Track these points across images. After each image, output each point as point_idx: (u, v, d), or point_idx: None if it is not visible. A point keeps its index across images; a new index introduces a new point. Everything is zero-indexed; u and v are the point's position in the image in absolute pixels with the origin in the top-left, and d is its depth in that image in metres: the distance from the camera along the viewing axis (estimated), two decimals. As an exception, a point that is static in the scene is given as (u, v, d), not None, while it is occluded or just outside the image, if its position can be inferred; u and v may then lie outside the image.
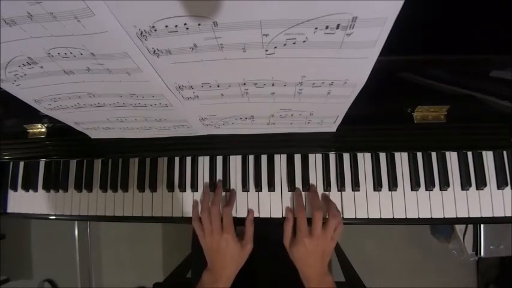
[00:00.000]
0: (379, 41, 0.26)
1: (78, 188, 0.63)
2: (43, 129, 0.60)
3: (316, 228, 0.50)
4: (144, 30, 0.27)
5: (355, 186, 0.54)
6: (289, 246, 0.52)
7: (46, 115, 0.45)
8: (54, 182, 0.64)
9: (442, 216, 0.53)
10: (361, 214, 0.54)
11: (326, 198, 0.55)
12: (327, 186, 0.55)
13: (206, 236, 0.53)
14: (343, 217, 0.54)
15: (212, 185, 0.58)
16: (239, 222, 0.55)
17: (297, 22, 0.25)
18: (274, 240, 0.56)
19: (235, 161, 0.58)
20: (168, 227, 1.40)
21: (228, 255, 0.52)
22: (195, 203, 0.58)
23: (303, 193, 0.56)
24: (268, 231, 0.67)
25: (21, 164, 0.67)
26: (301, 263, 0.51)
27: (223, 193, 0.57)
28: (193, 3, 0.24)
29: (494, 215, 0.52)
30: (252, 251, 0.54)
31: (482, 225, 0.99)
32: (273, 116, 0.44)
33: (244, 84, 0.35)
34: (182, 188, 0.59)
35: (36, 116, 0.49)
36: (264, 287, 0.63)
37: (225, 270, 0.51)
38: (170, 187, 0.59)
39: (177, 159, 0.60)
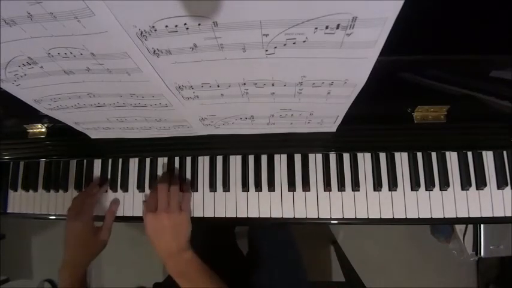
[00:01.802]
0: (379, 41, 0.26)
1: (78, 188, 0.63)
2: (43, 129, 0.60)
3: (160, 201, 0.50)
4: (144, 30, 0.27)
5: (355, 186, 0.54)
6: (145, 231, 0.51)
7: (46, 115, 0.45)
8: (54, 182, 0.64)
9: (442, 216, 0.53)
10: (361, 214, 0.54)
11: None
12: (326, 186, 0.55)
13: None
14: (343, 217, 0.54)
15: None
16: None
17: (297, 22, 0.25)
18: (273, 241, 0.56)
19: (235, 161, 0.58)
20: (168, 227, 1.40)
21: (80, 240, 0.53)
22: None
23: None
24: (267, 232, 0.67)
25: (21, 164, 0.67)
26: (153, 243, 0.49)
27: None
28: (193, 3, 0.24)
29: (494, 215, 0.52)
30: (251, 252, 0.54)
31: (482, 225, 0.99)
32: (273, 116, 0.44)
33: (244, 84, 0.35)
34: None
35: (36, 116, 0.49)
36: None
37: (74, 255, 0.53)
38: (170, 187, 0.59)
39: (177, 159, 0.60)
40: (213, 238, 0.75)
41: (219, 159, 0.58)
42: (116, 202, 0.59)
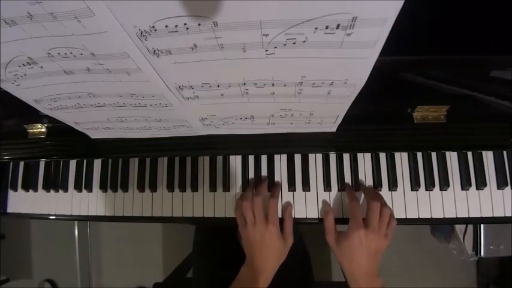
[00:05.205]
0: (379, 41, 0.26)
1: (78, 188, 0.63)
2: (43, 129, 0.60)
3: (373, 219, 0.46)
4: (144, 30, 0.27)
5: (355, 186, 0.54)
6: (336, 241, 0.48)
7: (46, 115, 0.45)
8: (54, 182, 0.64)
9: (442, 216, 0.53)
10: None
11: (375, 191, 0.53)
12: (327, 186, 0.55)
13: (248, 227, 0.50)
14: (343, 217, 0.54)
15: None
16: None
17: (297, 22, 0.25)
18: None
19: (235, 161, 0.58)
20: (168, 227, 1.40)
21: (272, 249, 0.48)
22: (241, 195, 0.55)
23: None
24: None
25: (21, 164, 0.67)
26: (351, 260, 0.46)
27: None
28: (193, 3, 0.24)
29: (494, 215, 0.52)
30: None
31: (482, 225, 0.99)
32: (273, 116, 0.44)
33: (244, 84, 0.35)
34: (182, 188, 0.59)
35: (36, 116, 0.49)
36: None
37: (267, 264, 0.48)
38: (170, 187, 0.59)
39: (177, 159, 0.60)
40: (214, 238, 0.75)
41: (219, 159, 0.59)
42: (289, 203, 0.55)
